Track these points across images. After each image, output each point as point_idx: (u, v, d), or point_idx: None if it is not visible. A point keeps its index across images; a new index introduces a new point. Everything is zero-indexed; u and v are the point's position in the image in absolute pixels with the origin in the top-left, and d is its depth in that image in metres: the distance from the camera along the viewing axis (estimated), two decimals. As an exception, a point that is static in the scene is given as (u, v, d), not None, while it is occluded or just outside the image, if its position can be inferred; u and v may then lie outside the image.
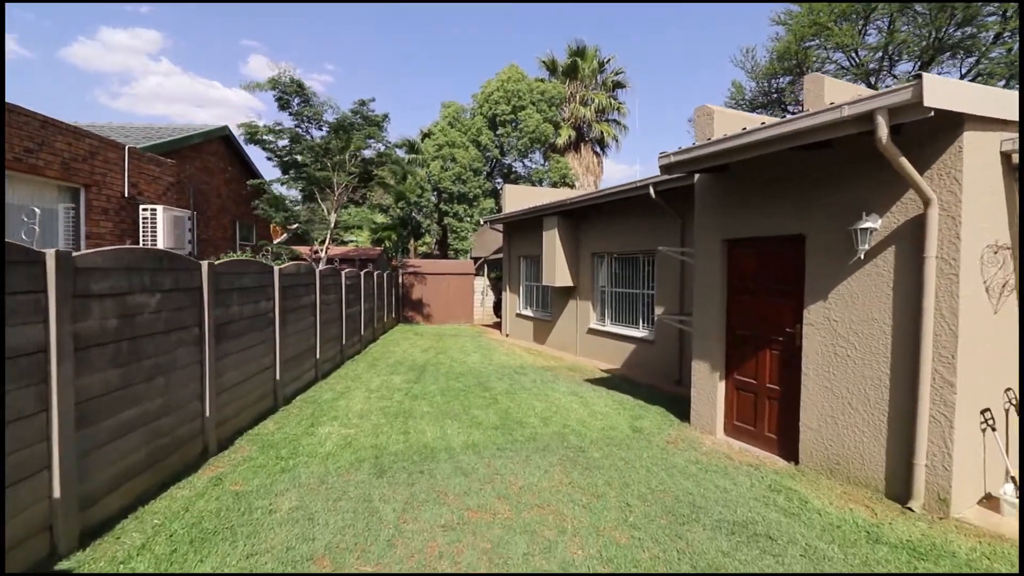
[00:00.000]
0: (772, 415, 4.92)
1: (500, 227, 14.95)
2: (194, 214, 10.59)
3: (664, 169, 5.05)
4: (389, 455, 4.65)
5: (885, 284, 3.93)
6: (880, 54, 16.55)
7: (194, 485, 3.98)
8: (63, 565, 2.87)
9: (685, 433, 5.45)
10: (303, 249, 18.06)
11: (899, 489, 3.83)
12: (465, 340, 13.13)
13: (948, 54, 16.39)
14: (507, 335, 14.50)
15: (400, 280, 17.47)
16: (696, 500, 3.84)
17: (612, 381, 8.18)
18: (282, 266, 6.38)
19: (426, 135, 20.79)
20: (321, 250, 13.29)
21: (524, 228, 13.36)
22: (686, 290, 8.14)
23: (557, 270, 10.95)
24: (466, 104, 21.27)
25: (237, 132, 12.12)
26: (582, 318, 10.97)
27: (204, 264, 4.46)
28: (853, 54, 17.51)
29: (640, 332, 9.38)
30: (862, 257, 4.02)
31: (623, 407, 6.45)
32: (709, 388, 5.48)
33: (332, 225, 13.22)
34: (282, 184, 12.70)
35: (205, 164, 11.46)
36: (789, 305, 4.74)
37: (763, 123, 4.06)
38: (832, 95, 4.91)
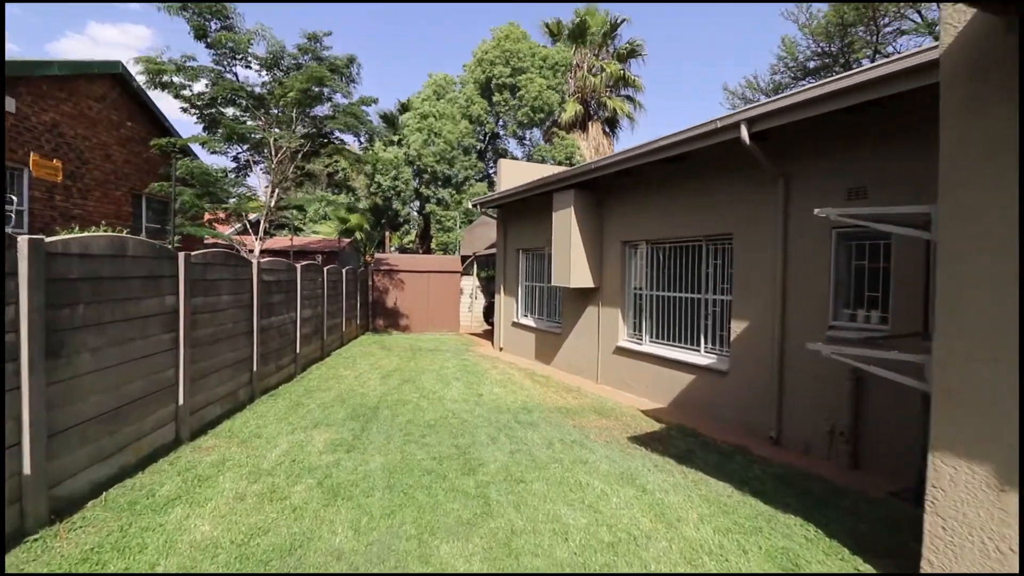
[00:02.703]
0: None
1: (493, 213, 11.79)
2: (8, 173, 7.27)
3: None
4: None
5: None
6: None
7: None
8: None
9: (933, 632, 2.31)
10: (247, 239, 14.77)
11: None
12: (446, 358, 9.93)
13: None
14: (501, 349, 11.35)
15: (371, 279, 14.22)
16: None
17: (673, 440, 5.06)
18: (64, 238, 3.16)
19: (405, 106, 17.50)
20: (256, 239, 10.02)
21: (525, 212, 10.20)
22: (791, 295, 5.05)
23: (573, 265, 7.83)
24: (455, 76, 18.06)
25: (136, 71, 8.85)
26: (607, 332, 7.85)
27: None
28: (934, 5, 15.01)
29: (703, 357, 6.27)
30: None
31: (737, 522, 3.31)
32: (998, 517, 2.34)
33: (272, 204, 9.98)
34: (202, 145, 9.41)
35: (81, 110, 8.13)
36: None
37: None
38: None
